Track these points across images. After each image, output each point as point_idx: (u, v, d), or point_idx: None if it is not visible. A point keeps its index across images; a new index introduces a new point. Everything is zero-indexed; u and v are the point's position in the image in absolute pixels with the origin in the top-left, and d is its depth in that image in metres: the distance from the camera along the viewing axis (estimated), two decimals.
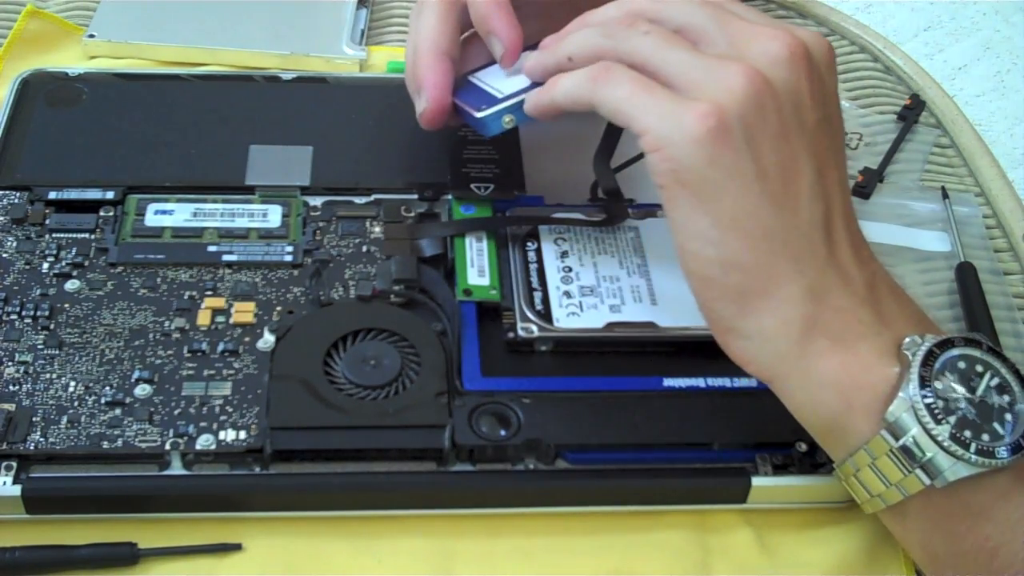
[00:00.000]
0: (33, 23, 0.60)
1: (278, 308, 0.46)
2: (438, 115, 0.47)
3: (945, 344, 0.38)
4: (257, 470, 0.41)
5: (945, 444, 0.36)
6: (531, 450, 0.42)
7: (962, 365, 0.38)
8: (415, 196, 0.51)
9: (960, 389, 0.37)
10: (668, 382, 0.44)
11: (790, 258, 0.38)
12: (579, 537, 0.42)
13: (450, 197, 0.50)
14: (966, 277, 0.52)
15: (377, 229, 0.49)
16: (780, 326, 0.38)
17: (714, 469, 0.43)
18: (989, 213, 0.57)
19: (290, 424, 0.42)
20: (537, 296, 0.46)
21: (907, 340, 0.38)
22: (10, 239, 0.47)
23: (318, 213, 0.50)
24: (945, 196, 0.56)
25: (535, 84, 0.44)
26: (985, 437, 0.37)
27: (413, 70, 0.48)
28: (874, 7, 1.80)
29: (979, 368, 0.38)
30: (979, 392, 0.38)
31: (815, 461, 0.43)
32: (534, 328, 0.45)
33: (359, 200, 0.50)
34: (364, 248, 0.48)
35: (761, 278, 0.38)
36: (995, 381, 0.38)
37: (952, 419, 0.37)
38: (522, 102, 0.44)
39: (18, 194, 0.49)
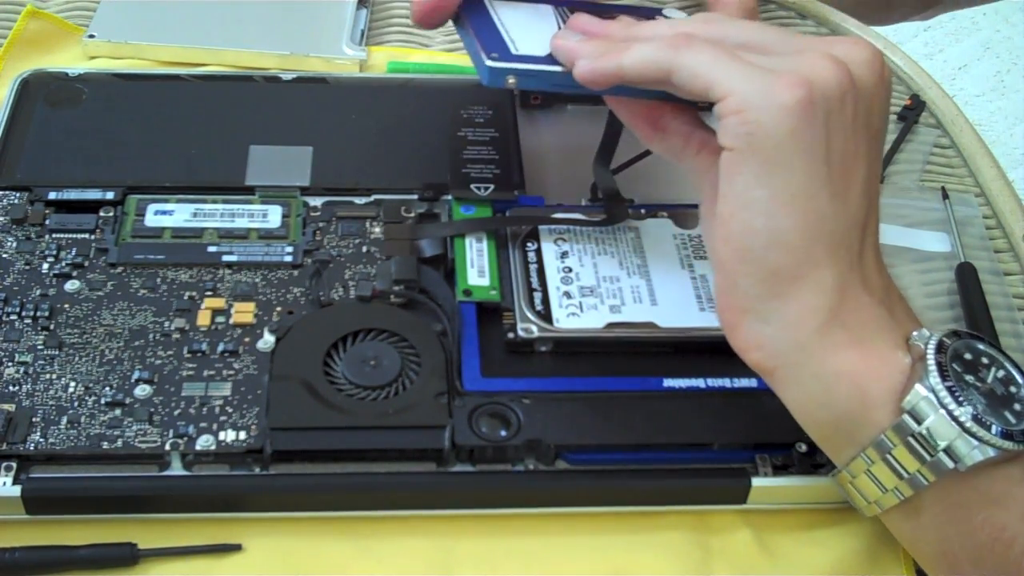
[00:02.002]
0: (33, 23, 0.60)
1: (278, 308, 0.46)
2: (433, 13, 0.45)
3: (952, 335, 0.39)
4: (257, 470, 0.41)
5: (968, 425, 0.36)
6: (531, 450, 0.42)
7: (968, 356, 0.39)
8: (415, 196, 0.51)
9: (970, 378, 0.38)
10: (668, 382, 0.44)
11: (830, 248, 0.38)
12: (579, 537, 0.42)
13: (450, 197, 0.50)
14: (966, 277, 0.52)
15: (377, 229, 0.49)
16: (805, 313, 0.38)
17: (714, 469, 0.43)
18: (989, 213, 0.57)
19: (290, 424, 0.42)
20: (537, 296, 0.46)
21: (915, 333, 0.39)
22: (10, 239, 0.47)
23: (318, 213, 0.50)
24: (945, 196, 0.56)
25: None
26: (999, 420, 0.37)
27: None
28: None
29: (984, 360, 0.39)
30: (988, 382, 0.38)
31: (815, 461, 0.43)
32: (534, 328, 0.45)
33: (359, 200, 0.50)
34: (364, 248, 0.48)
35: (799, 261, 0.38)
36: (1000, 373, 0.38)
37: (970, 404, 0.37)
38: (533, 73, 0.43)
39: (18, 194, 0.49)
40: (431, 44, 0.63)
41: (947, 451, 0.37)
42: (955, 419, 0.37)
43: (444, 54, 0.62)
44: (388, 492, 0.42)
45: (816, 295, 0.38)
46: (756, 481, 0.42)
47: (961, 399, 0.37)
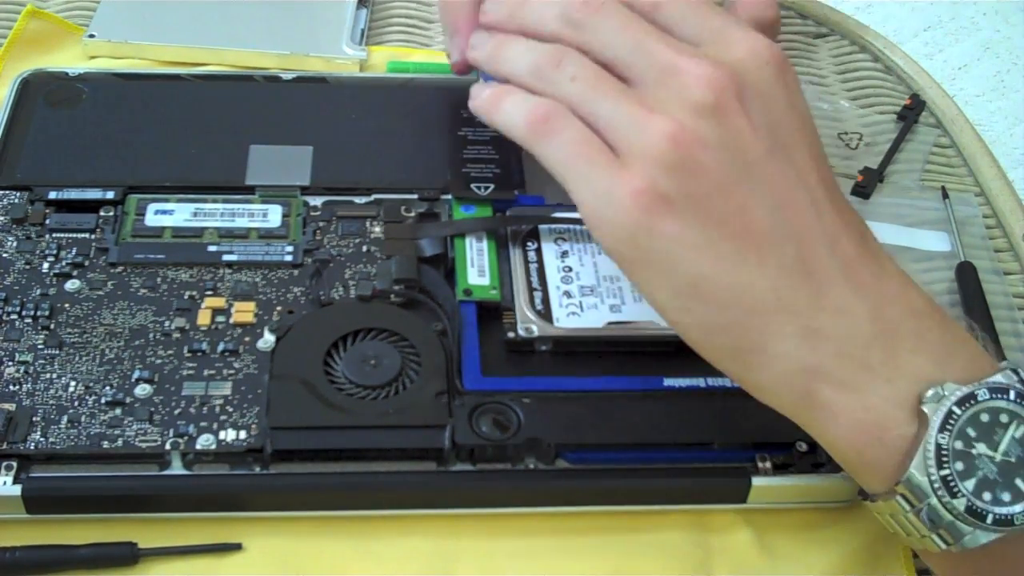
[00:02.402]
0: (33, 23, 0.60)
1: (278, 308, 0.46)
2: (466, 69, 0.47)
3: (967, 401, 0.35)
4: (257, 470, 0.41)
5: (961, 517, 0.35)
6: (531, 450, 0.42)
7: (985, 418, 0.35)
8: (415, 196, 0.51)
9: (982, 447, 0.35)
10: (668, 382, 0.44)
11: (770, 310, 0.36)
12: (579, 537, 0.42)
13: (450, 197, 0.50)
14: (966, 277, 0.52)
15: (377, 229, 0.49)
16: (781, 381, 0.36)
17: (714, 469, 0.43)
18: (989, 213, 0.57)
19: (290, 424, 0.42)
20: (537, 296, 0.46)
21: (929, 393, 0.35)
22: (10, 239, 0.47)
23: (318, 213, 0.50)
24: (945, 196, 0.56)
25: None
26: (1006, 497, 0.35)
27: (453, 10, 0.45)
28: (874, 7, 1.80)
29: (1004, 418, 0.36)
30: (1002, 448, 0.35)
31: (815, 461, 0.43)
32: (534, 328, 0.45)
33: (359, 200, 0.50)
34: (364, 248, 0.48)
35: (745, 336, 0.36)
36: (1020, 431, 0.36)
37: (971, 483, 0.35)
38: None
39: (18, 194, 0.49)
40: (431, 44, 0.63)
41: (948, 528, 0.35)
42: (948, 510, 0.35)
43: (444, 54, 0.62)
44: (388, 491, 0.42)
45: (783, 361, 0.36)
46: (756, 481, 0.42)
47: (955, 489, 0.35)
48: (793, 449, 0.43)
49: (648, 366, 0.45)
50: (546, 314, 0.45)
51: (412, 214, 0.50)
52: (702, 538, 0.43)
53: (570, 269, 0.47)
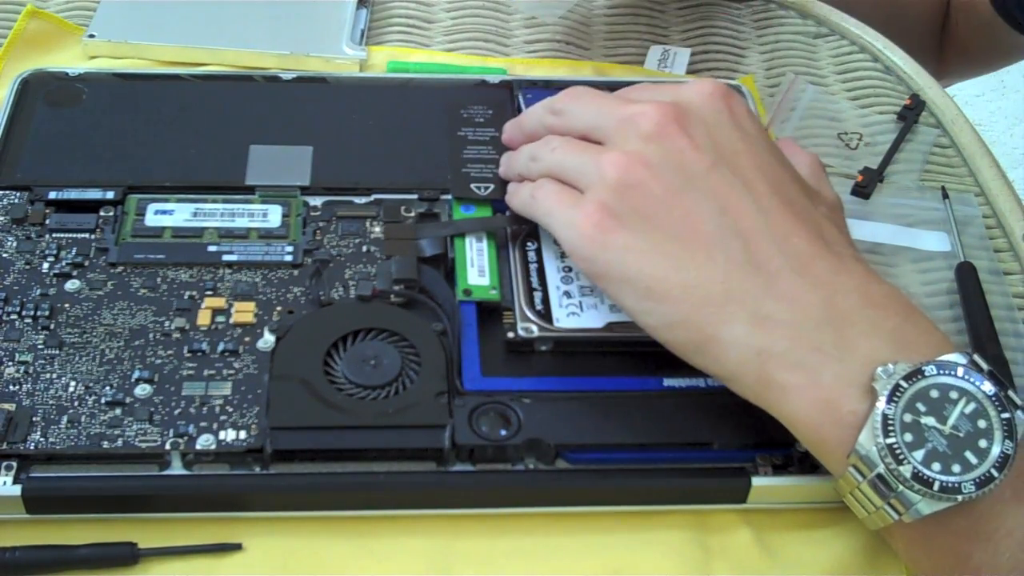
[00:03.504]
0: (33, 23, 0.60)
1: (278, 308, 0.46)
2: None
3: (914, 375, 0.37)
4: (257, 470, 0.41)
5: (908, 484, 0.37)
6: (531, 450, 0.42)
7: (935, 394, 0.38)
8: (415, 196, 0.51)
9: (930, 420, 0.37)
10: (668, 382, 0.44)
11: (720, 302, 0.39)
12: (579, 537, 0.42)
13: (450, 197, 0.50)
14: (966, 277, 0.52)
15: (377, 229, 0.49)
16: (738, 365, 0.39)
17: (714, 469, 0.43)
18: (989, 213, 0.57)
19: (290, 424, 0.42)
20: (537, 296, 0.46)
21: (879, 370, 0.38)
22: (10, 239, 0.47)
23: (318, 213, 0.50)
24: (945, 196, 0.56)
25: None
26: (956, 468, 0.37)
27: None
28: None
29: (953, 395, 0.38)
30: (950, 422, 0.37)
31: (815, 461, 0.42)
32: (534, 328, 0.45)
33: (359, 200, 0.50)
34: (364, 248, 0.48)
35: (701, 328, 0.39)
36: (970, 407, 0.38)
37: (920, 453, 0.37)
38: None
39: (18, 194, 0.49)
40: (431, 44, 0.63)
41: (899, 497, 0.37)
42: (895, 477, 0.37)
43: (444, 54, 0.62)
44: (388, 492, 0.42)
45: (737, 347, 0.39)
46: (756, 481, 0.42)
47: (902, 457, 0.37)
48: (793, 449, 0.43)
49: (648, 366, 0.45)
50: (546, 314, 0.45)
51: (412, 214, 0.50)
52: (702, 538, 0.43)
53: (570, 269, 0.47)
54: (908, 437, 0.37)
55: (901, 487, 0.37)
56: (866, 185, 0.56)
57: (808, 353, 0.38)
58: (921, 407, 0.37)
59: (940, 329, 0.40)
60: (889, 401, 0.37)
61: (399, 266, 0.47)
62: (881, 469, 0.37)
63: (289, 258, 0.48)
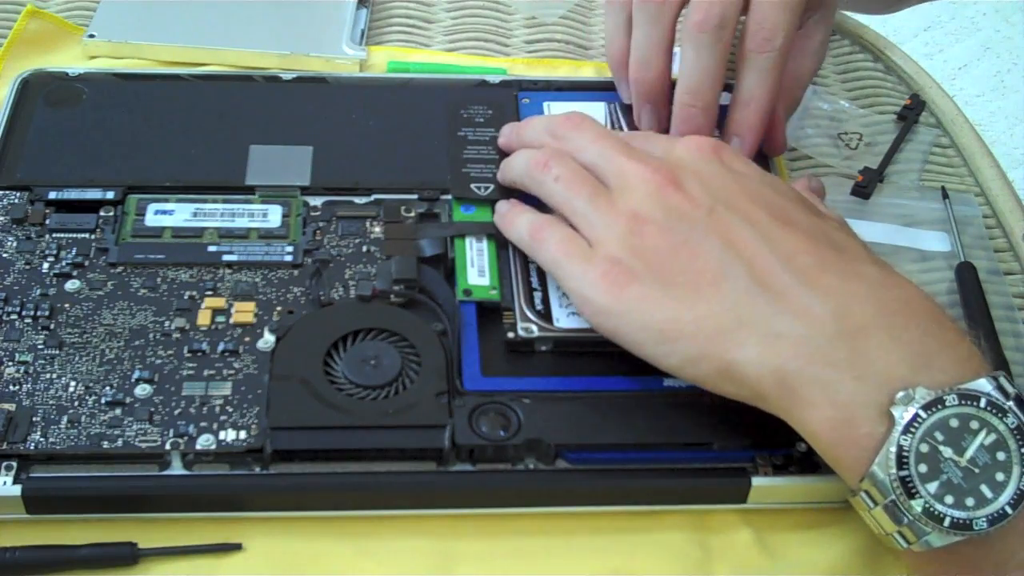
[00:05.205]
0: (33, 23, 0.60)
1: (278, 308, 0.46)
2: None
3: (934, 405, 0.36)
4: (257, 470, 0.41)
5: (919, 518, 0.36)
6: (531, 450, 0.42)
7: (954, 423, 0.37)
8: (415, 196, 0.51)
9: (948, 451, 0.37)
10: (668, 382, 0.44)
11: (732, 328, 0.40)
12: (579, 537, 0.42)
13: (450, 197, 0.50)
14: (966, 277, 0.52)
15: (377, 229, 0.49)
16: (759, 385, 0.39)
17: (714, 469, 0.43)
18: (989, 213, 0.57)
19: (290, 424, 0.42)
20: (537, 296, 0.46)
21: (899, 395, 0.37)
22: (10, 239, 0.47)
23: (318, 213, 0.50)
24: (945, 196, 0.56)
25: None
26: (970, 502, 0.36)
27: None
28: None
29: (973, 425, 0.37)
30: (968, 454, 0.37)
31: (815, 461, 0.42)
32: (534, 328, 0.45)
33: (359, 200, 0.50)
34: (364, 248, 0.48)
35: (719, 356, 0.40)
36: (990, 439, 0.37)
37: (933, 486, 0.36)
38: None
39: (18, 194, 0.49)
40: (431, 44, 0.63)
41: (911, 526, 0.37)
42: (906, 510, 0.37)
43: (444, 54, 0.62)
44: (388, 492, 0.42)
45: (754, 367, 0.39)
46: (756, 481, 0.42)
47: (914, 491, 0.36)
48: (793, 449, 0.43)
49: (648, 366, 0.44)
50: (546, 314, 0.45)
51: (412, 214, 0.50)
52: (702, 538, 0.43)
53: None
54: (922, 468, 0.36)
55: (913, 519, 0.37)
56: (866, 185, 0.56)
57: (823, 369, 0.38)
58: (939, 436, 0.37)
59: (966, 338, 0.39)
60: (905, 432, 0.36)
61: (399, 266, 0.47)
62: (891, 500, 0.37)
63: (289, 258, 0.48)
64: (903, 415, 0.36)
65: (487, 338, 0.45)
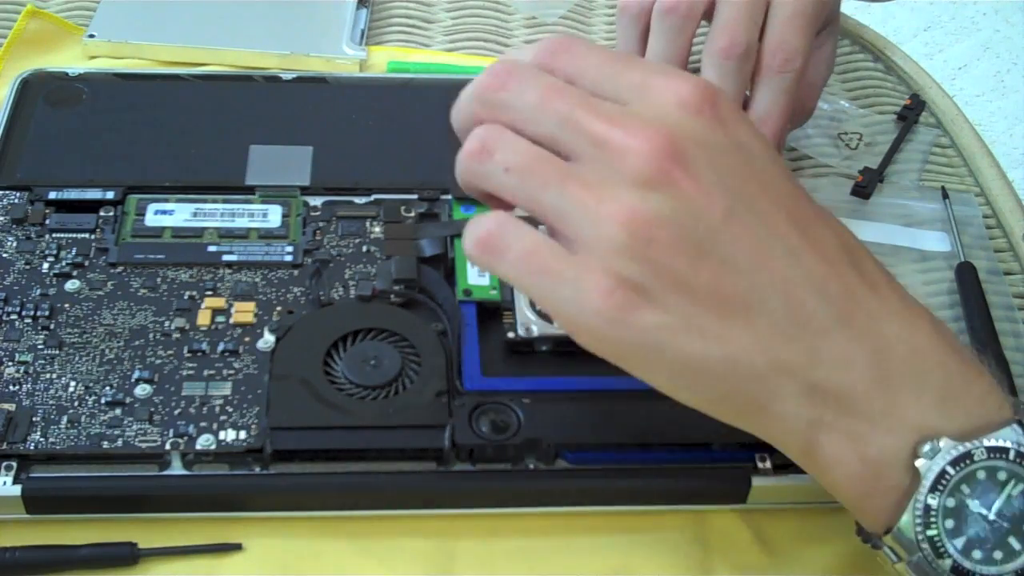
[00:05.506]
0: (33, 23, 0.60)
1: (278, 308, 0.46)
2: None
3: (963, 460, 0.35)
4: (257, 470, 0.41)
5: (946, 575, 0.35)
6: (531, 450, 0.42)
7: (981, 475, 0.35)
8: (415, 196, 0.51)
9: (975, 504, 0.35)
10: None
11: (768, 374, 0.35)
12: (579, 537, 0.42)
13: (450, 197, 0.50)
14: (966, 277, 0.52)
15: (377, 229, 0.49)
16: (784, 436, 0.36)
17: (714, 469, 0.43)
18: (989, 213, 0.57)
19: (290, 424, 0.42)
20: None
21: (926, 448, 0.35)
22: (10, 239, 0.47)
23: (318, 213, 0.50)
24: (945, 196, 0.56)
25: None
26: (998, 556, 0.35)
27: None
28: (874, 7, 1.80)
29: (1001, 476, 0.35)
30: (996, 507, 0.35)
31: None
32: (534, 328, 0.45)
33: (359, 200, 0.50)
34: (364, 248, 0.48)
35: (748, 402, 0.35)
36: (1017, 489, 0.35)
37: (960, 541, 0.35)
38: None
39: (18, 194, 0.49)
40: (431, 44, 0.63)
41: None
42: (933, 568, 0.35)
43: (444, 54, 0.62)
44: (388, 492, 0.42)
45: (785, 422, 0.35)
46: (756, 481, 0.42)
47: (942, 549, 0.35)
48: None
49: None
50: (546, 314, 0.45)
51: (412, 214, 0.50)
52: (702, 538, 0.43)
53: None
54: (949, 524, 0.35)
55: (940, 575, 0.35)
56: (866, 185, 0.56)
57: (858, 423, 0.35)
58: (966, 489, 0.35)
59: (984, 370, 0.37)
60: (933, 489, 0.35)
61: (399, 266, 0.47)
62: (919, 558, 0.35)
63: (289, 258, 0.48)
64: (930, 472, 0.35)
65: (487, 338, 0.45)
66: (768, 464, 0.43)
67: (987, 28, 1.86)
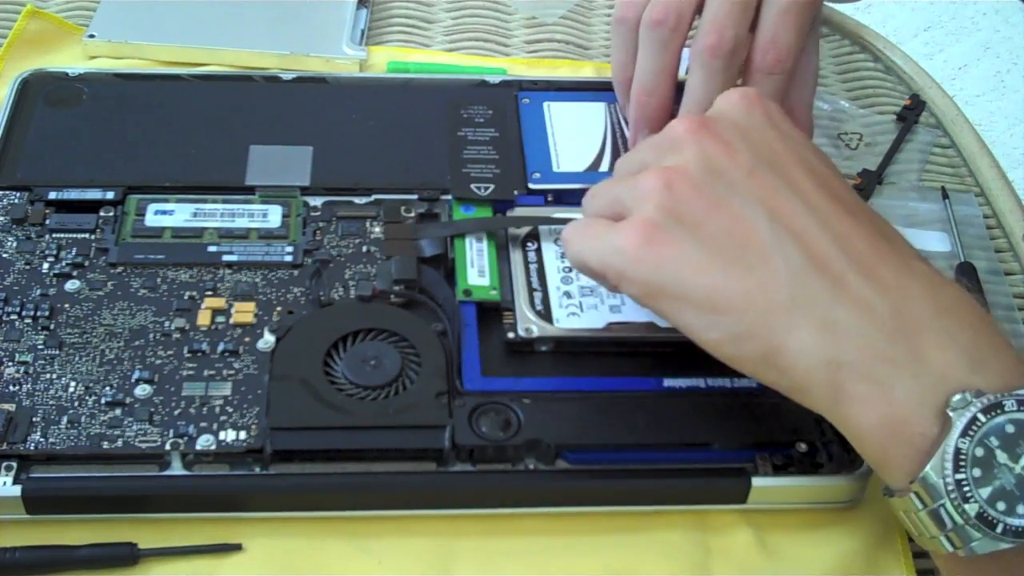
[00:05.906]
0: (33, 23, 0.60)
1: (278, 308, 0.46)
2: None
3: (993, 409, 0.35)
4: (257, 470, 0.41)
5: (972, 523, 0.35)
6: (531, 450, 0.42)
7: (1010, 430, 0.35)
8: (415, 196, 0.51)
9: (1003, 456, 0.35)
10: (668, 382, 0.44)
11: (786, 308, 0.37)
12: (579, 537, 0.42)
13: (450, 197, 0.50)
14: (966, 277, 0.52)
15: (377, 229, 0.49)
16: (807, 376, 0.37)
17: (714, 469, 0.43)
18: (989, 213, 0.57)
19: (290, 424, 0.42)
20: (537, 296, 0.46)
21: (956, 398, 0.35)
22: (10, 239, 0.47)
23: (318, 213, 0.50)
24: (945, 196, 0.56)
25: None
26: (1021, 510, 0.35)
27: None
28: (874, 7, 1.80)
29: None
30: (1023, 461, 0.35)
31: (815, 461, 0.43)
32: (534, 328, 0.45)
33: (359, 200, 0.50)
34: (364, 248, 0.48)
35: (768, 338, 0.37)
36: None
37: (986, 491, 0.35)
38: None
39: (18, 194, 0.49)
40: (431, 44, 0.63)
41: (957, 532, 0.36)
42: (960, 513, 0.35)
43: (444, 54, 0.62)
44: (388, 492, 0.42)
45: (805, 357, 0.37)
46: (756, 481, 0.42)
47: (969, 494, 0.35)
48: (793, 449, 0.43)
49: (648, 367, 0.45)
50: (546, 314, 0.45)
51: (412, 214, 0.50)
52: (702, 538, 0.43)
53: (570, 269, 0.47)
54: (977, 472, 0.35)
55: (963, 523, 0.35)
56: (864, 188, 0.56)
57: (880, 364, 0.36)
58: (994, 441, 0.35)
59: (1011, 344, 0.38)
60: (964, 434, 0.35)
61: (399, 266, 0.47)
62: (946, 503, 0.35)
63: (289, 258, 0.48)
64: (961, 417, 0.35)
65: (487, 338, 0.45)
66: (768, 464, 0.43)
67: (987, 28, 1.86)
